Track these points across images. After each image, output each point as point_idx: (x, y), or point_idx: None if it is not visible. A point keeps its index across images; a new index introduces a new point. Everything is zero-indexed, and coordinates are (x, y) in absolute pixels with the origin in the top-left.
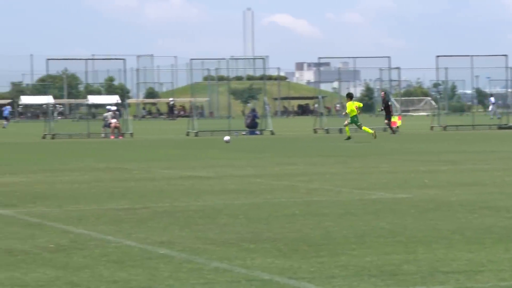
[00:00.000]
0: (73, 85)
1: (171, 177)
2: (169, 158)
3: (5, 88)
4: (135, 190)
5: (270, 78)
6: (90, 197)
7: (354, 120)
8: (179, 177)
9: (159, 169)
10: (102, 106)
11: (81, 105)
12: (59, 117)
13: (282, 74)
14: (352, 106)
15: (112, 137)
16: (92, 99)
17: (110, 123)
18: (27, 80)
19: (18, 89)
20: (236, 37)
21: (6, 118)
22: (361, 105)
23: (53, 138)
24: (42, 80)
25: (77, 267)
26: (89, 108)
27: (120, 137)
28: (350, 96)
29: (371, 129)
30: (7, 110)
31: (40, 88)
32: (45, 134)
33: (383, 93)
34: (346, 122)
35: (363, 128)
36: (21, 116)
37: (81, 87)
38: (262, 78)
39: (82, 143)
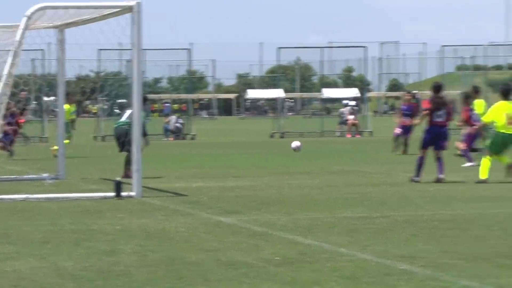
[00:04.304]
0: (306, 76)
1: None
2: (413, 160)
3: (231, 81)
4: (373, 196)
5: None
6: (322, 203)
7: None
8: (424, 181)
9: (401, 172)
10: (338, 100)
11: (315, 99)
12: (290, 113)
13: None
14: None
15: (348, 135)
16: (328, 92)
17: (347, 120)
18: (255, 72)
19: (245, 82)
20: (496, 21)
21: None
22: None
23: (282, 137)
24: (271, 71)
25: (306, 283)
26: (323, 102)
27: (358, 136)
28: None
29: None
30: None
31: (269, 80)
32: (273, 132)
33: None
34: None
35: None
36: (247, 112)
37: (315, 79)
38: None
39: (315, 142)
